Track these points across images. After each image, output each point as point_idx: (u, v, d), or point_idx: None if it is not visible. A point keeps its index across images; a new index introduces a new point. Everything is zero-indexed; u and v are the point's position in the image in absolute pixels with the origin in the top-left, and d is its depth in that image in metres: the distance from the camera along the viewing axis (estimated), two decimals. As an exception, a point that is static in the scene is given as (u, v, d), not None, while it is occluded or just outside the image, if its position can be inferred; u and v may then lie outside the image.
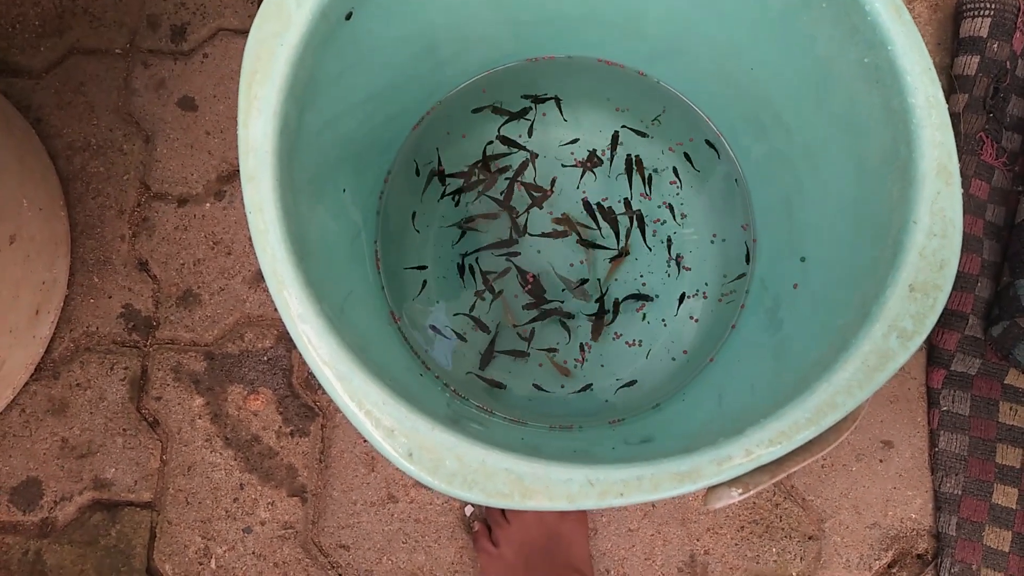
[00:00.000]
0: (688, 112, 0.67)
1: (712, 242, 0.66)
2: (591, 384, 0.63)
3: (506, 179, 0.66)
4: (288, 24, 0.42)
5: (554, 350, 0.64)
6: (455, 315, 0.64)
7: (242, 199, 0.77)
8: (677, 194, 0.66)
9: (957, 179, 0.42)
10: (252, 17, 0.74)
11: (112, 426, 0.74)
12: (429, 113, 0.66)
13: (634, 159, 0.66)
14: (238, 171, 0.77)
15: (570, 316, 0.65)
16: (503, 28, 0.61)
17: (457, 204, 0.66)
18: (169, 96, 0.79)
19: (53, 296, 0.73)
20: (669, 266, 0.65)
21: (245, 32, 0.80)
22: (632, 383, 0.63)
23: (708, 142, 0.66)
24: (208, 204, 0.77)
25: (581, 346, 0.64)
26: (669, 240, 0.66)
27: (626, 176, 0.66)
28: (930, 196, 0.42)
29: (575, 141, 0.67)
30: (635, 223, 0.66)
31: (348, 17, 0.46)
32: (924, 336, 0.41)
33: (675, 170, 0.67)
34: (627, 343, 0.64)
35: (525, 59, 0.66)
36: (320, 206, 0.49)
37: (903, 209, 0.42)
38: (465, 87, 0.66)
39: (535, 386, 0.63)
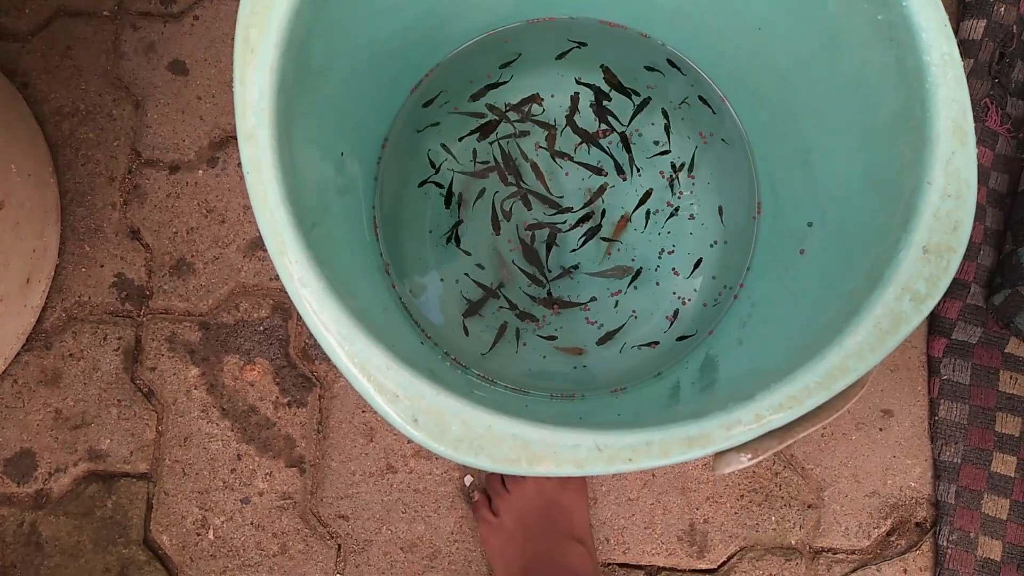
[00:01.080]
0: (694, 76, 0.65)
1: (712, 247, 0.64)
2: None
3: (511, 136, 0.65)
4: (285, -23, 0.41)
5: (553, 337, 0.63)
6: (458, 278, 0.64)
7: (236, 166, 0.75)
8: (692, 187, 0.65)
9: (972, 138, 0.41)
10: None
11: (106, 397, 0.73)
12: (428, 75, 0.64)
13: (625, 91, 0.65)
14: (231, 137, 0.76)
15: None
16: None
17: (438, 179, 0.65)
18: (159, 60, 0.77)
19: (44, 265, 0.72)
20: (660, 258, 0.65)
21: (237, -6, 0.78)
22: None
23: (708, 104, 0.65)
24: (201, 171, 0.75)
25: (552, 303, 0.64)
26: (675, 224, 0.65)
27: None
28: (944, 156, 0.41)
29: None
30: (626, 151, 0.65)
31: (347, -30, 0.44)
32: (937, 299, 0.40)
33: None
34: (587, 320, 0.64)
35: (526, 20, 0.65)
36: (319, 168, 0.48)
37: (916, 170, 0.42)
38: (465, 48, 0.65)
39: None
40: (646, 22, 0.64)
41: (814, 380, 0.40)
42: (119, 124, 0.76)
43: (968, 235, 0.40)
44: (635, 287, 0.64)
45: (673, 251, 0.64)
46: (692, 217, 0.65)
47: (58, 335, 0.73)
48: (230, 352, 0.74)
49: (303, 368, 0.73)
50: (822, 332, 0.42)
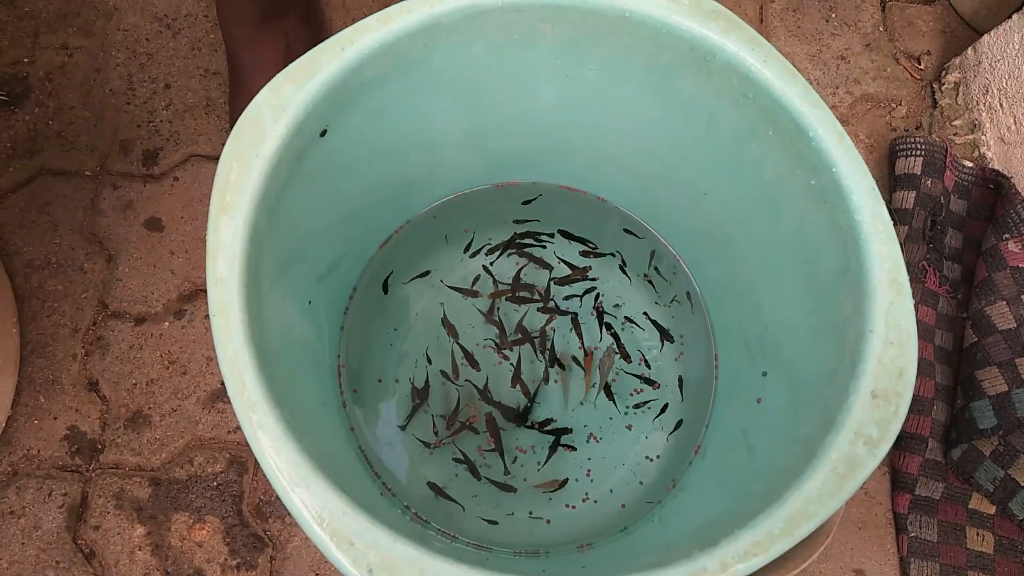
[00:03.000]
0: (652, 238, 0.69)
1: (674, 425, 0.66)
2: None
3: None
4: (264, 137, 0.44)
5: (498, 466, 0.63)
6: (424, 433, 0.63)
7: (203, 317, 0.76)
8: (647, 347, 0.68)
9: (907, 290, 0.43)
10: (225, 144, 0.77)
11: (44, 558, 0.68)
12: (398, 232, 0.67)
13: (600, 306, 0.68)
14: (201, 290, 0.77)
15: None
16: (473, 155, 0.64)
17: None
18: (136, 217, 0.79)
19: (-6, 416, 0.70)
20: (619, 415, 0.66)
21: (217, 158, 0.82)
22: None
23: (654, 263, 0.69)
24: (167, 323, 0.76)
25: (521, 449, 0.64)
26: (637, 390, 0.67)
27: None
28: (883, 307, 0.43)
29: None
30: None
31: (323, 134, 0.48)
32: (890, 443, 0.41)
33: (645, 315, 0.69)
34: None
35: (492, 184, 0.69)
36: (285, 315, 0.49)
37: (858, 320, 0.44)
38: (434, 207, 0.68)
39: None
40: (602, 188, 0.69)
41: (777, 526, 0.39)
42: (89, 277, 0.77)
43: (913, 381, 0.42)
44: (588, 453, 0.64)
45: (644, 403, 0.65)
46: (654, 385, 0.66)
47: (1, 491, 0.70)
48: (180, 510, 0.70)
49: (255, 527, 0.70)
50: (781, 477, 0.42)
